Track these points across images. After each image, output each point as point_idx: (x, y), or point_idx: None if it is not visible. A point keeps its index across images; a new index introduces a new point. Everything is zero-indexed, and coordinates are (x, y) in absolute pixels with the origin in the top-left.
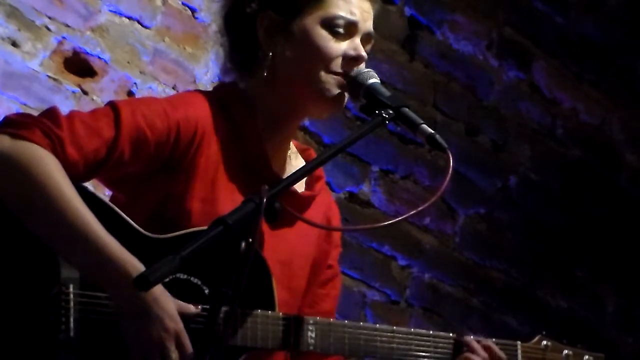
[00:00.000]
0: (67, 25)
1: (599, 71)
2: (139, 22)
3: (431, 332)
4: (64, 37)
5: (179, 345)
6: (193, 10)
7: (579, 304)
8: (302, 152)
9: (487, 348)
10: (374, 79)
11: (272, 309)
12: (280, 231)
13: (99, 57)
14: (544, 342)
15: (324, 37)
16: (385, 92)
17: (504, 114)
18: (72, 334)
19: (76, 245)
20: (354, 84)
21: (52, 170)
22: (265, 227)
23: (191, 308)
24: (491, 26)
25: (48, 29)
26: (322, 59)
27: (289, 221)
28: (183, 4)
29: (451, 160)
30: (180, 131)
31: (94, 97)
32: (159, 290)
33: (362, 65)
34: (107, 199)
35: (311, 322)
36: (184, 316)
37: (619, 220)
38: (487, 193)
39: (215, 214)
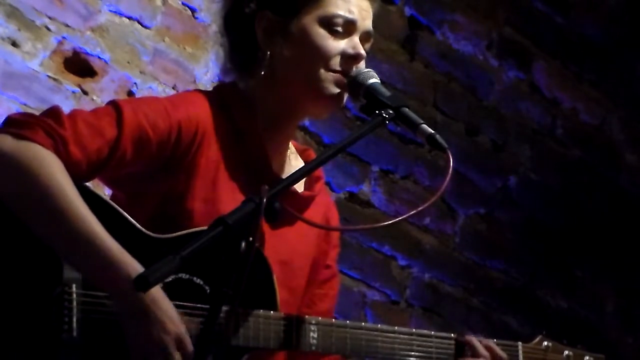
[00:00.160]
0: (67, 25)
1: (599, 71)
2: (139, 22)
3: (432, 332)
4: (64, 37)
5: (180, 348)
6: (193, 10)
7: (579, 304)
8: (302, 153)
9: (488, 348)
10: (374, 79)
11: (274, 308)
12: (280, 231)
13: (99, 57)
14: (545, 343)
15: (322, 35)
16: (385, 92)
17: (504, 114)
18: (74, 333)
19: (77, 246)
20: (354, 84)
21: (55, 171)
22: (265, 227)
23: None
24: (491, 26)
25: (48, 29)
26: (321, 57)
27: (289, 221)
28: (183, 4)
29: (451, 160)
30: (182, 131)
31: (94, 97)
32: (159, 293)
33: (362, 65)
34: (108, 199)
35: (313, 322)
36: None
37: (619, 220)
38: (487, 193)
39: (217, 214)
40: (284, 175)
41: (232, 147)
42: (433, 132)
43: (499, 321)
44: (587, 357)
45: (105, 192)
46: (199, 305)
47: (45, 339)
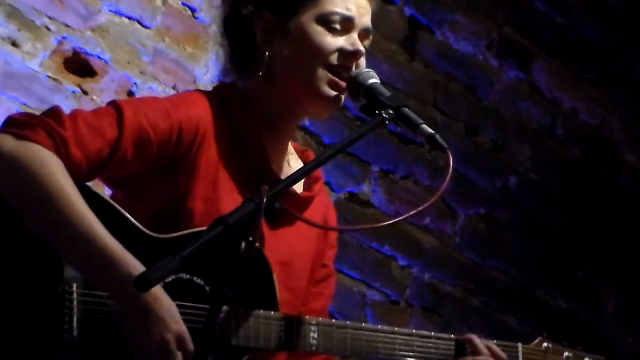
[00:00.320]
0: (67, 25)
1: (599, 71)
2: (139, 22)
3: (432, 333)
4: (64, 37)
5: (181, 347)
6: (193, 10)
7: (579, 304)
8: (301, 154)
9: (488, 348)
10: (374, 79)
11: (275, 309)
12: (280, 232)
13: (99, 57)
14: (545, 344)
15: (320, 33)
16: (385, 92)
17: (504, 114)
18: (75, 333)
19: (77, 246)
20: (353, 84)
21: (55, 171)
22: (265, 227)
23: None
24: (491, 26)
25: (48, 29)
26: (320, 54)
27: (288, 222)
28: (183, 4)
29: (451, 160)
30: (182, 131)
31: (94, 97)
32: (159, 291)
33: (362, 65)
34: (109, 199)
35: (313, 322)
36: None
37: (619, 220)
38: (487, 193)
39: (217, 214)
40: (283, 176)
41: (232, 148)
42: (433, 132)
43: (499, 321)
44: (587, 359)
45: (106, 192)
46: (199, 305)
47: (45, 338)
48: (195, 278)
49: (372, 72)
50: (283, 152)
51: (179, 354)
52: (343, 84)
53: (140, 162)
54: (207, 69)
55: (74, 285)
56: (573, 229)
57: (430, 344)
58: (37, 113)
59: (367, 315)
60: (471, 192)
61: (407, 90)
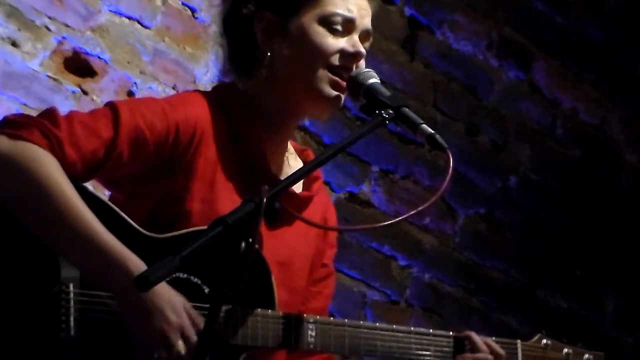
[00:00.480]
0: (67, 25)
1: (599, 71)
2: (139, 22)
3: (431, 330)
4: (64, 37)
5: (184, 338)
6: (193, 10)
7: (579, 304)
8: (300, 153)
9: (487, 345)
10: (374, 79)
11: (272, 308)
12: (279, 231)
13: (99, 57)
14: (544, 341)
15: (321, 34)
16: (385, 92)
17: (504, 114)
18: (72, 332)
19: (76, 243)
20: (353, 84)
21: (52, 169)
22: (264, 227)
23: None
24: (491, 26)
25: (48, 29)
26: (320, 55)
27: (287, 222)
28: (183, 4)
29: (451, 160)
30: (180, 131)
31: (94, 97)
32: (160, 286)
33: (362, 65)
34: (106, 199)
35: (311, 320)
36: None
37: (619, 220)
38: (487, 193)
39: (215, 214)
40: (282, 176)
41: (231, 148)
42: (433, 132)
43: (498, 321)
44: (587, 355)
45: (105, 193)
46: (197, 304)
47: (43, 338)
48: (192, 277)
49: (372, 72)
50: (282, 152)
51: (181, 344)
52: (344, 83)
53: (137, 163)
54: (207, 69)
55: (71, 285)
56: (573, 229)
57: (429, 341)
58: (37, 113)
59: (367, 315)
60: (471, 192)
61: (407, 90)
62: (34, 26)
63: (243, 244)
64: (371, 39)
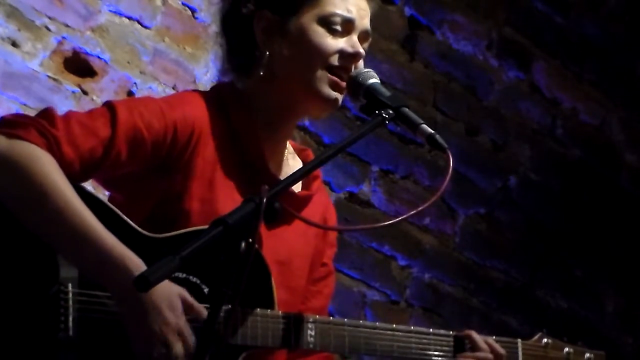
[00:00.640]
0: (67, 25)
1: (599, 71)
2: (139, 22)
3: (431, 329)
4: (64, 37)
5: (181, 338)
6: (193, 10)
7: (579, 304)
8: (300, 153)
9: (487, 344)
10: (374, 79)
11: (272, 307)
12: (279, 231)
13: (99, 57)
14: (545, 340)
15: (320, 34)
16: (385, 92)
17: (504, 114)
18: (71, 332)
19: (75, 242)
20: (353, 84)
21: (50, 169)
22: (263, 227)
23: (204, 313)
24: (491, 26)
25: (48, 29)
26: (320, 55)
27: (286, 221)
28: (183, 4)
29: (451, 160)
30: (177, 131)
31: (94, 97)
32: (159, 285)
33: (362, 65)
34: (105, 199)
35: (310, 320)
36: (194, 315)
37: (619, 220)
38: (487, 193)
39: (215, 214)
40: (282, 175)
41: (229, 147)
42: (433, 132)
43: (498, 321)
44: (588, 354)
45: (105, 194)
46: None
47: (41, 338)
48: (191, 277)
49: (372, 72)
50: (281, 151)
51: (179, 345)
52: (343, 84)
53: (135, 162)
54: (207, 69)
55: (69, 285)
56: (573, 229)
57: (429, 341)
58: (35, 113)
59: (367, 315)
60: (471, 192)
61: (407, 90)
62: (34, 26)
63: (243, 244)
64: (370, 39)
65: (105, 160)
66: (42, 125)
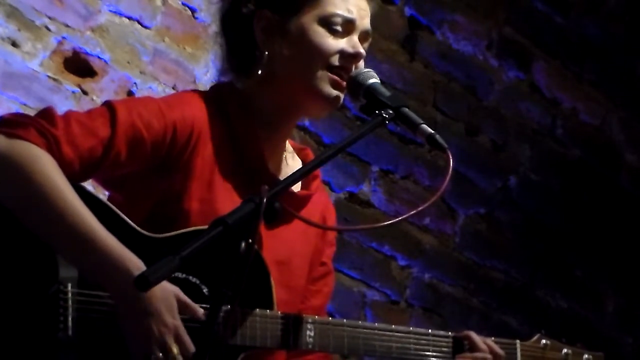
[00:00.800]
0: (67, 25)
1: (599, 71)
2: (139, 22)
3: (430, 330)
4: (64, 37)
5: (179, 340)
6: (193, 10)
7: (579, 304)
8: (299, 152)
9: (486, 345)
10: (374, 79)
11: (271, 308)
12: (278, 231)
13: (99, 57)
14: (543, 341)
15: (321, 34)
16: (385, 92)
17: (504, 114)
18: (70, 332)
19: (75, 242)
20: (353, 84)
21: (49, 168)
22: (262, 227)
23: (199, 312)
24: (491, 26)
25: (48, 29)
26: (320, 55)
27: (286, 221)
28: (183, 4)
29: (451, 160)
30: (177, 131)
31: (94, 97)
32: (157, 287)
33: (362, 65)
34: (105, 199)
35: (309, 320)
36: (190, 314)
37: (619, 220)
38: (487, 193)
39: (214, 214)
40: (281, 175)
41: (229, 147)
42: (433, 132)
43: (498, 321)
44: (586, 356)
45: (105, 194)
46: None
47: (41, 337)
48: (190, 277)
49: (372, 72)
50: (280, 151)
51: (176, 347)
52: (343, 83)
53: (135, 162)
54: (207, 69)
55: (69, 285)
56: (573, 229)
57: (428, 341)
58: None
59: (367, 315)
60: (471, 192)
61: (407, 90)
62: (34, 26)
63: (243, 244)
64: (370, 39)
65: (105, 160)
66: (42, 125)
